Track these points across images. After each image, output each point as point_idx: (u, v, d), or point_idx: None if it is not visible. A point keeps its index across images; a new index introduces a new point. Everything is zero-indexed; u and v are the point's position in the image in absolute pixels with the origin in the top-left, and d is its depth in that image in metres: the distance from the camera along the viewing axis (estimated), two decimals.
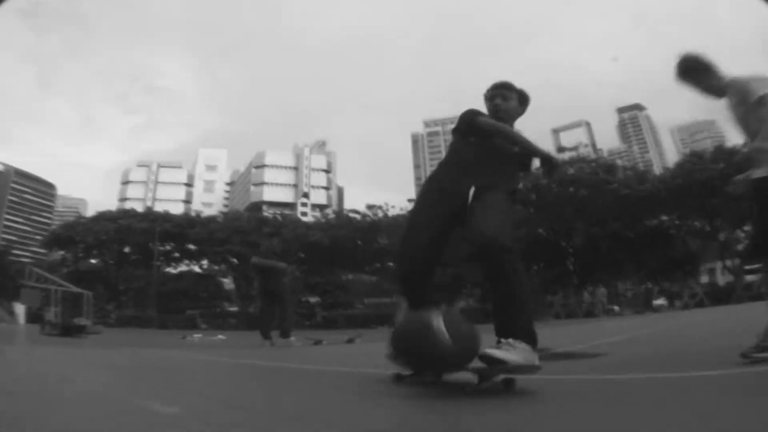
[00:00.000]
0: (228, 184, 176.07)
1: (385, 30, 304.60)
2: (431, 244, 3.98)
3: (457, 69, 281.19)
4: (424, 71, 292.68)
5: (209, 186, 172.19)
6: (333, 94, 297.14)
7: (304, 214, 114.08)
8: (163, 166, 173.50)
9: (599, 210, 45.87)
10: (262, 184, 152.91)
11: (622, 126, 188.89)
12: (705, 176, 43.36)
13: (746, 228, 48.54)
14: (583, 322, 26.25)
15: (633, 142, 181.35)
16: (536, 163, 4.32)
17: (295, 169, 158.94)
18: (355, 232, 57.03)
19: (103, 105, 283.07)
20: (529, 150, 4.14)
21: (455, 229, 3.93)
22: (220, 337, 17.57)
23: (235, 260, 58.36)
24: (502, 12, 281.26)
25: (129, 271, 59.79)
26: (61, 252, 63.84)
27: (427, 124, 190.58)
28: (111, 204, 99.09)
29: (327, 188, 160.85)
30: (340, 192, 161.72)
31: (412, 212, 4.51)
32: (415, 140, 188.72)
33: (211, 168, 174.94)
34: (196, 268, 63.23)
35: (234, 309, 59.15)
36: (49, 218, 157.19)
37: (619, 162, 68.15)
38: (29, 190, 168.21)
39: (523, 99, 4.38)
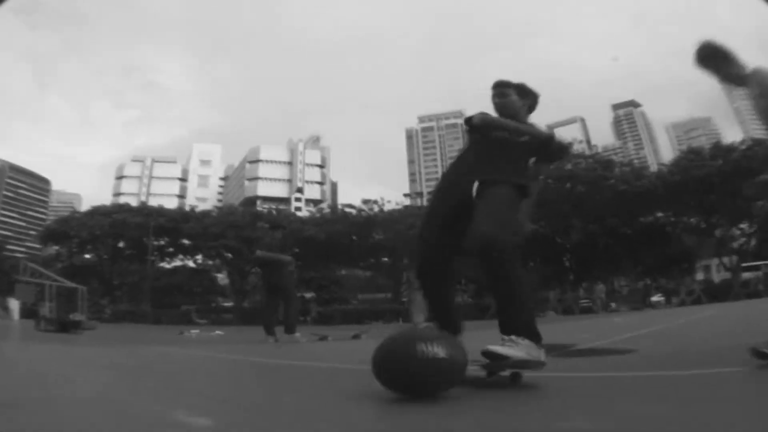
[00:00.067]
0: (222, 179, 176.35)
1: (383, 28, 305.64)
2: (441, 233, 4.04)
3: (455, 67, 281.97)
4: (420, 68, 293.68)
5: (203, 181, 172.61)
6: (328, 90, 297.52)
7: (298, 209, 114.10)
8: (157, 161, 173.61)
9: (597, 206, 45.84)
10: (257, 179, 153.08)
11: (617, 123, 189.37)
12: (703, 173, 43.40)
13: (742, 225, 48.78)
14: (584, 318, 26.11)
15: (628, 138, 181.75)
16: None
17: (290, 164, 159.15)
18: (351, 227, 56.93)
19: (97, 100, 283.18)
20: (522, 134, 4.13)
21: (464, 221, 3.86)
22: (218, 332, 17.36)
23: (229, 255, 58.30)
24: (501, 12, 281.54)
25: (123, 265, 59.62)
26: (56, 247, 63.73)
27: (421, 120, 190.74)
28: (105, 199, 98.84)
29: (321, 183, 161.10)
30: (334, 187, 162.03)
31: (426, 207, 4.71)
32: (410, 135, 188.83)
33: (205, 163, 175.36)
34: (191, 263, 63.12)
35: (229, 304, 59.17)
36: (43, 213, 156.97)
37: (614, 158, 68.21)
38: (24, 185, 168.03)
39: (522, 92, 4.38)
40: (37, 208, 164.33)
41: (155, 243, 58.21)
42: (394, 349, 3.04)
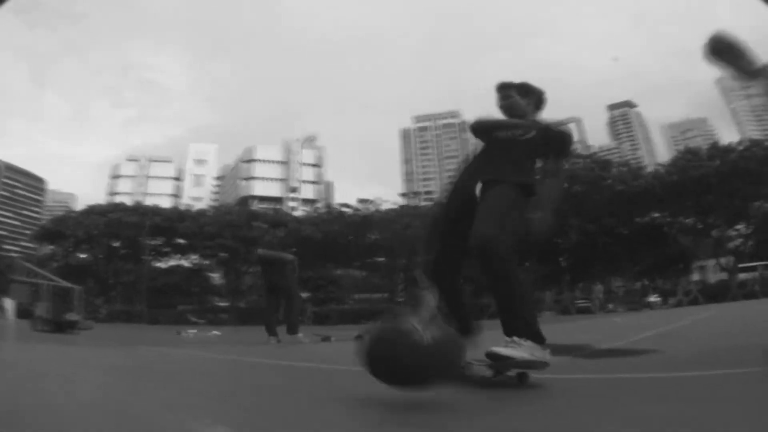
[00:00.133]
0: (217, 178, 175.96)
1: (382, 28, 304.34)
2: (449, 234, 4.08)
3: (454, 67, 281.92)
4: (418, 68, 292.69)
5: (198, 180, 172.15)
6: (324, 90, 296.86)
7: (293, 208, 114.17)
8: (152, 161, 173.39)
9: (595, 206, 45.86)
10: (251, 178, 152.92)
11: (612, 123, 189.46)
12: (700, 173, 43.46)
13: (739, 226, 48.89)
14: (584, 318, 26.12)
15: (623, 139, 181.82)
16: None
17: (285, 163, 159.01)
18: (347, 227, 56.88)
19: (93, 99, 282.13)
20: (517, 127, 4.19)
21: (469, 222, 3.85)
22: (215, 333, 17.28)
23: (225, 254, 58.23)
24: (501, 12, 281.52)
25: (119, 265, 59.49)
26: (51, 246, 63.61)
27: (417, 119, 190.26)
28: (100, 198, 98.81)
29: (316, 183, 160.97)
30: (329, 187, 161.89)
31: (436, 209, 4.80)
32: (405, 135, 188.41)
33: (200, 162, 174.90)
34: (185, 263, 63.00)
35: (224, 304, 59.10)
36: (38, 213, 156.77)
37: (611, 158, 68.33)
38: (20, 185, 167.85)
39: (524, 91, 4.40)
40: (33, 208, 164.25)
41: (150, 242, 58.12)
42: (379, 336, 2.97)
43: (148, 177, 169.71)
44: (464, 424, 2.49)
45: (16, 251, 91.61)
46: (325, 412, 2.87)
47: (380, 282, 59.69)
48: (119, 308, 52.22)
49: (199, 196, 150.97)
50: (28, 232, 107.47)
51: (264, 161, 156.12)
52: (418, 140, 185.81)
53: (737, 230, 49.68)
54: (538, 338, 3.50)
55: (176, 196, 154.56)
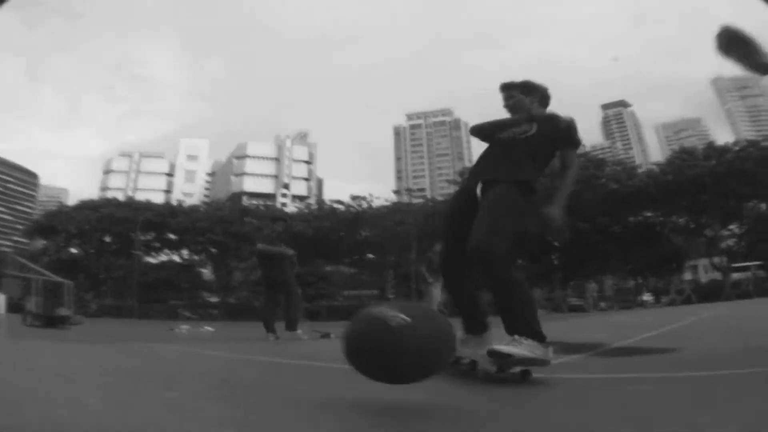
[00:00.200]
0: (209, 174, 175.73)
1: (381, 28, 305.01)
2: (456, 234, 4.12)
3: (454, 67, 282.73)
4: (415, 66, 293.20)
5: (190, 176, 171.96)
6: (317, 87, 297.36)
7: (284, 204, 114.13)
8: (144, 156, 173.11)
9: (589, 205, 45.81)
10: (243, 174, 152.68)
11: (606, 122, 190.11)
12: (695, 173, 43.50)
13: (732, 226, 49.04)
14: (578, 316, 25.98)
15: (616, 138, 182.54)
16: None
17: (276, 160, 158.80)
18: (339, 224, 56.83)
19: (86, 95, 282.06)
20: (514, 125, 4.33)
21: (472, 221, 3.98)
22: (208, 328, 17.16)
23: (215, 250, 58.15)
24: (501, 12, 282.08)
25: (110, 260, 59.24)
26: (43, 241, 63.39)
27: (409, 117, 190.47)
28: (93, 194, 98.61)
29: (307, 179, 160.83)
30: (320, 183, 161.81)
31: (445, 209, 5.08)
32: (398, 132, 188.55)
33: (192, 158, 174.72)
34: (176, 258, 62.89)
35: (214, 299, 58.97)
36: (31, 207, 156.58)
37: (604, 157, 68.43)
38: (12, 180, 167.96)
39: (527, 89, 4.50)
40: (25, 203, 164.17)
41: (142, 238, 57.94)
42: (351, 330, 2.86)
43: (140, 172, 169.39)
44: (464, 424, 2.50)
45: (8, 246, 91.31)
46: (325, 412, 2.84)
47: (370, 279, 59.71)
48: (110, 303, 52.08)
49: (190, 191, 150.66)
50: (20, 226, 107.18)
51: (255, 157, 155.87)
52: (409, 138, 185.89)
53: (730, 230, 49.85)
54: (538, 337, 3.61)
55: (168, 191, 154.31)
